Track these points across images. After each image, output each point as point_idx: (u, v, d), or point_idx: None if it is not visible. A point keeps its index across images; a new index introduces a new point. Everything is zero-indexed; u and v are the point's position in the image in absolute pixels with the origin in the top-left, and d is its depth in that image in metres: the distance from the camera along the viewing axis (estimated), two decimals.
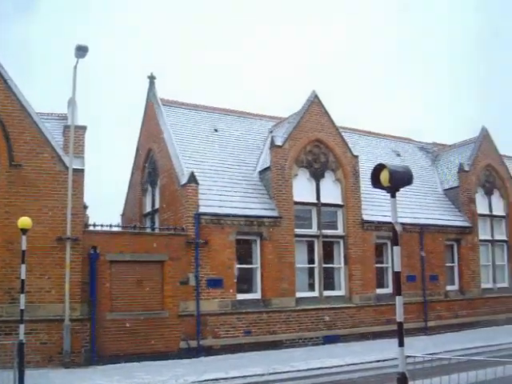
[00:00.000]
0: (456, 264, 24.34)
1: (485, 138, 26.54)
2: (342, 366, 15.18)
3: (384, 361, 15.28)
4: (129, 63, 64.52)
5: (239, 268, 18.44)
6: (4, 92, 15.56)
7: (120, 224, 20.05)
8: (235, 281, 18.15)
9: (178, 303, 17.01)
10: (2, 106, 15.44)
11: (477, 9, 70.84)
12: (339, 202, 21.02)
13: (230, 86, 60.76)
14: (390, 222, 7.39)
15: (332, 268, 20.79)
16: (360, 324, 20.49)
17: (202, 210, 17.92)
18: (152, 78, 22.38)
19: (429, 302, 22.48)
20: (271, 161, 19.81)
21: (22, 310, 12.01)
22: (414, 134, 30.53)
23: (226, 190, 19.34)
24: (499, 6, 71.75)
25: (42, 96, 30.58)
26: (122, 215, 25.12)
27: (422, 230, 22.68)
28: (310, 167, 20.63)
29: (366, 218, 21.22)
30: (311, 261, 20.29)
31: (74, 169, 15.74)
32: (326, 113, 21.16)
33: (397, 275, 7.37)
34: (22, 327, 11.92)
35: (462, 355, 14.26)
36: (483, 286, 24.82)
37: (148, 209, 22.59)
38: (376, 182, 7.45)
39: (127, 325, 16.00)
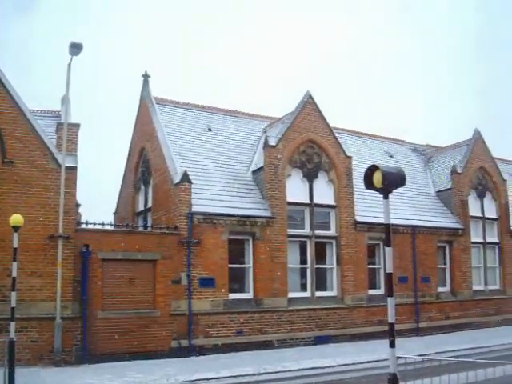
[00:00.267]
0: (448, 266, 24.41)
1: (477, 140, 26.65)
2: (333, 366, 15.18)
3: (375, 361, 15.29)
4: (127, 63, 64.48)
5: (231, 268, 18.42)
6: None
7: (112, 222, 20.01)
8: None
9: (169, 302, 16.98)
10: None
11: (476, 9, 71.12)
12: (332, 202, 21.04)
13: (228, 86, 60.86)
14: (383, 223, 7.41)
15: (324, 268, 20.80)
16: (352, 325, 20.51)
17: (194, 209, 17.90)
18: (146, 77, 22.35)
19: (420, 304, 22.53)
20: (264, 161, 19.81)
21: (12, 308, 11.93)
22: (409, 135, 30.68)
23: (219, 189, 19.33)
24: (497, 6, 72.08)
25: (42, 95, 30.51)
26: (115, 214, 25.07)
27: (415, 231, 22.74)
28: (304, 167, 20.64)
29: (358, 218, 21.25)
30: (303, 261, 20.30)
31: (66, 166, 15.69)
32: (320, 113, 21.17)
33: (389, 276, 7.39)
34: (12, 325, 11.85)
35: (453, 357, 14.35)
36: (475, 287, 24.91)
37: (141, 207, 22.55)
38: (369, 183, 7.46)
39: (119, 323, 15.96)
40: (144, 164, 22.22)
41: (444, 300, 23.67)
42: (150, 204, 21.31)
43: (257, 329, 18.41)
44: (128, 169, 23.90)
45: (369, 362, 15.65)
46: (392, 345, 7.00)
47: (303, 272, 20.27)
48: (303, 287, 20.19)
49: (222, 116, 23.91)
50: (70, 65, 16.17)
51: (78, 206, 17.97)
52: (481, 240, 25.85)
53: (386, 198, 7.43)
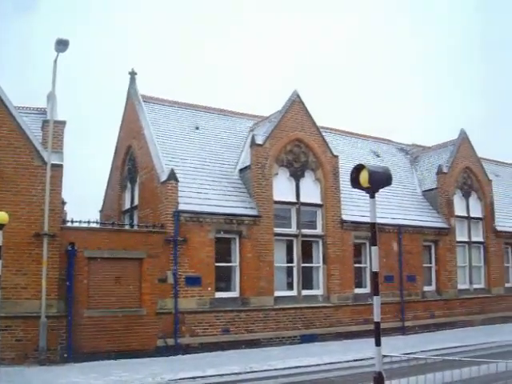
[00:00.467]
0: (433, 265, 24.56)
1: (463, 140, 26.83)
2: (319, 365, 15.22)
3: (361, 360, 15.35)
4: (115, 61, 64.19)
5: (218, 266, 18.40)
6: None
7: (98, 221, 19.89)
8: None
9: (156, 301, 16.93)
10: None
11: (463, 10, 71.63)
12: (319, 201, 21.08)
13: (216, 86, 60.95)
14: (369, 222, 7.43)
15: (310, 267, 20.84)
16: (338, 323, 20.57)
17: (181, 207, 17.86)
18: (133, 74, 22.24)
19: (406, 302, 22.64)
20: (251, 159, 19.81)
21: None
22: (396, 135, 30.82)
23: (205, 187, 19.30)
24: (487, 7, 72.54)
25: (41, 94, 30.23)
26: (101, 212, 24.95)
27: (401, 230, 22.84)
28: (290, 166, 20.66)
29: (345, 217, 21.31)
30: (290, 260, 20.32)
31: (52, 164, 15.57)
32: (307, 112, 21.20)
33: (375, 275, 7.41)
34: None
35: (438, 355, 14.40)
36: (460, 286, 25.09)
37: (127, 206, 22.46)
38: (355, 182, 7.48)
39: (104, 322, 15.89)
40: (130, 162, 22.13)
41: (429, 299, 23.80)
42: (136, 202, 21.23)
43: (243, 327, 18.40)
44: (114, 167, 23.79)
45: (355, 360, 15.71)
46: (378, 343, 7.03)
47: (289, 271, 20.30)
48: (289, 286, 20.22)
49: (209, 114, 23.86)
50: (55, 61, 16.03)
51: (63, 203, 17.84)
52: (466, 239, 26.02)
53: (372, 197, 7.45)
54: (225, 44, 69.50)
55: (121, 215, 22.55)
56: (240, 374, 13.98)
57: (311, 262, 20.88)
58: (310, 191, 20.90)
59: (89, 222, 16.72)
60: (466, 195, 26.44)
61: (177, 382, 13.03)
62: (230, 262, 19.00)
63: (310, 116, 21.22)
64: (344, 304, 20.84)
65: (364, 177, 7.25)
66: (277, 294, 19.39)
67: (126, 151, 22.36)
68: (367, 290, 21.65)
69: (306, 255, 20.68)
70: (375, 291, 7.18)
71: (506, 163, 35.45)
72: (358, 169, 7.39)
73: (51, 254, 15.26)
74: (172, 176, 17.86)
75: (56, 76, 16.30)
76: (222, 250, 18.79)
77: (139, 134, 20.73)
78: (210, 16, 70.45)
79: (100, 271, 16.21)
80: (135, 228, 18.80)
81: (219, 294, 18.26)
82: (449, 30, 73.50)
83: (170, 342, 16.93)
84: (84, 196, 26.61)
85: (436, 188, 25.62)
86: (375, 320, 7.08)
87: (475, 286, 25.99)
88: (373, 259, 7.28)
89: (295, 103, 21.03)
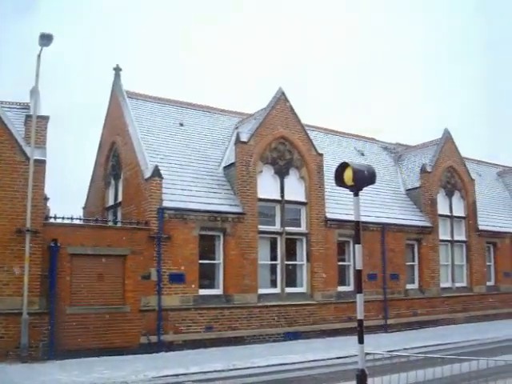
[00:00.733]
0: (416, 263, 24.71)
1: (447, 140, 27.01)
2: (302, 362, 15.26)
3: (344, 357, 15.42)
4: (101, 58, 63.93)
5: (202, 263, 18.36)
6: None
7: (82, 217, 19.74)
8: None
9: (139, 298, 16.86)
10: None
11: (449, 10, 72.05)
12: (303, 199, 21.12)
13: (203, 85, 60.92)
14: (353, 221, 7.46)
15: (294, 265, 20.87)
16: (321, 321, 20.63)
17: (165, 204, 17.79)
18: (117, 70, 22.11)
19: (389, 300, 22.77)
20: (236, 157, 19.78)
21: None
22: (382, 136, 30.94)
23: (190, 184, 19.25)
24: (470, 8, 73.11)
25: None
26: (84, 208, 24.79)
27: (384, 228, 22.95)
28: (275, 164, 20.67)
29: (329, 216, 21.36)
30: (274, 257, 20.33)
31: (35, 159, 15.43)
32: (292, 110, 21.21)
33: (358, 273, 7.44)
34: None
35: (421, 353, 14.52)
36: (442, 285, 25.27)
37: (111, 202, 22.33)
38: (339, 180, 7.52)
39: (87, 319, 15.79)
40: (114, 158, 22.01)
41: (412, 297, 23.94)
42: (120, 199, 21.11)
43: (227, 325, 18.39)
44: (98, 163, 23.64)
45: (338, 358, 15.76)
46: (361, 341, 7.07)
47: (273, 268, 20.31)
48: (273, 283, 20.24)
49: (194, 111, 23.81)
50: (39, 56, 15.89)
51: (46, 199, 17.70)
52: (449, 238, 26.22)
53: (356, 195, 7.49)
54: (214, 43, 69.58)
55: (104, 212, 22.42)
56: (223, 371, 13.97)
57: (295, 260, 20.91)
58: (295, 189, 20.92)
59: (72, 219, 16.60)
60: (449, 194, 26.63)
61: (160, 380, 13.00)
62: (213, 259, 18.97)
63: (294, 114, 21.23)
64: (327, 302, 20.90)
65: (348, 175, 7.29)
66: (260, 291, 19.40)
67: (110, 147, 22.23)
68: (351, 287, 21.74)
69: (290, 253, 20.71)
70: (358, 289, 7.22)
71: (489, 163, 35.79)
72: (343, 167, 7.43)
73: (33, 250, 15.12)
74: (156, 173, 17.79)
75: (39, 71, 16.15)
76: (206, 247, 18.75)
77: (123, 130, 20.61)
78: (187, 14, 70.42)
79: (83, 268, 16.10)
80: (119, 225, 18.70)
81: (203, 292, 18.24)
82: (436, 31, 74.09)
83: (154, 339, 16.87)
84: (67, 192, 26.45)
85: (419, 187, 25.78)
86: (358, 318, 7.12)
87: (457, 285, 26.19)
88: (356, 257, 7.32)
89: (280, 101, 21.03)
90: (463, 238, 26.88)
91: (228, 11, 72.29)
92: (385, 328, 22.29)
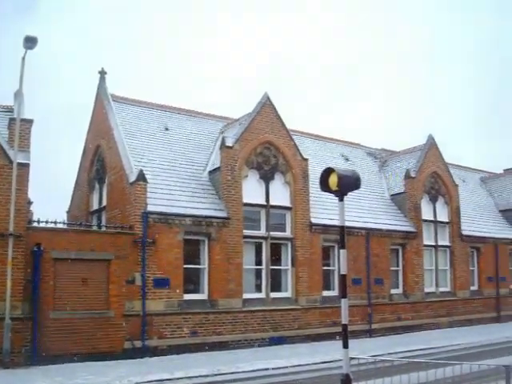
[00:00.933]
0: (400, 268, 24.82)
1: (431, 145, 27.20)
2: (287, 367, 15.26)
3: (329, 362, 15.44)
4: (86, 61, 63.70)
5: (186, 268, 18.30)
6: None
7: (65, 221, 19.61)
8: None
9: (123, 303, 16.76)
10: None
11: (417, 20, 72.59)
12: (288, 204, 21.14)
13: (187, 87, 60.84)
14: (338, 226, 7.48)
15: (279, 270, 20.87)
16: (306, 326, 20.64)
17: (150, 208, 17.72)
18: (103, 73, 22.02)
19: (373, 305, 22.84)
20: (221, 161, 19.77)
21: None
22: (368, 142, 31.09)
23: (175, 189, 19.19)
24: (450, 17, 73.73)
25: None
26: (68, 212, 24.62)
27: (369, 233, 23.04)
28: (260, 169, 20.68)
29: (314, 220, 21.40)
30: (259, 262, 20.32)
31: (18, 163, 15.31)
32: (278, 115, 21.24)
33: (343, 278, 7.46)
34: None
35: (405, 357, 14.58)
36: (426, 289, 25.40)
37: (95, 206, 22.21)
38: (324, 185, 7.54)
39: (71, 324, 15.67)
40: (99, 162, 21.89)
41: (396, 302, 24.04)
42: (104, 203, 21.00)
43: (211, 330, 18.34)
44: (82, 167, 23.50)
45: (323, 362, 15.78)
46: (345, 346, 7.08)
47: (258, 273, 20.30)
48: (258, 288, 20.22)
49: (179, 115, 23.77)
50: (23, 59, 15.79)
51: (29, 203, 17.56)
52: (433, 243, 26.37)
53: (341, 200, 7.51)
54: (201, 45, 69.54)
55: (88, 216, 22.29)
56: (208, 376, 13.94)
57: (280, 265, 20.91)
58: (280, 194, 20.94)
59: (56, 223, 16.49)
60: (433, 199, 26.80)
61: None
62: (198, 263, 18.91)
63: (280, 119, 21.26)
64: (312, 306, 20.92)
65: (333, 180, 7.31)
66: (245, 296, 19.37)
67: (95, 151, 22.12)
68: (335, 292, 21.78)
69: (275, 258, 20.71)
70: (343, 294, 7.23)
71: (473, 169, 36.12)
72: (328, 172, 7.45)
73: (16, 254, 14.97)
74: (141, 177, 17.72)
75: (23, 74, 16.04)
76: (191, 251, 18.70)
77: (108, 134, 20.52)
78: (170, 16, 70.39)
79: (67, 272, 15.98)
80: (103, 229, 18.61)
81: (188, 296, 18.18)
82: (425, 32, 74.54)
83: (138, 344, 16.78)
84: (51, 196, 26.27)
85: (404, 192, 25.92)
86: (343, 322, 7.13)
87: (441, 289, 26.34)
88: (341, 262, 7.33)
89: (265, 106, 21.06)
90: (447, 243, 27.04)
91: (215, 11, 72.40)
92: (369, 333, 22.35)
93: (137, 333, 16.82)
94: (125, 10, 67.48)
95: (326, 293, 21.58)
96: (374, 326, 22.70)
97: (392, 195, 26.69)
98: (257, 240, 20.33)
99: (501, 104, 69.97)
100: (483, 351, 17.63)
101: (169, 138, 22.01)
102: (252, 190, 20.23)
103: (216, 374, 14.12)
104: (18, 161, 15.33)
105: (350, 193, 7.81)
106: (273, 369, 14.97)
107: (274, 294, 20.27)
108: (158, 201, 18.14)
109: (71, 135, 40.57)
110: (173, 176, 19.80)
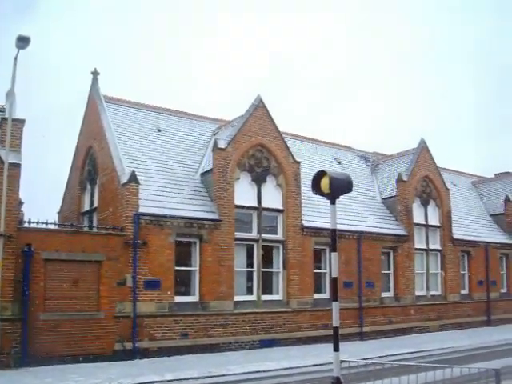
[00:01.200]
0: (392, 271, 24.87)
1: (423, 149, 27.29)
2: (278, 369, 15.25)
3: (320, 365, 15.43)
4: (78, 62, 63.46)
5: (178, 270, 18.27)
6: None
7: (56, 222, 19.54)
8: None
9: (114, 304, 16.71)
10: None
11: (417, 20, 72.85)
12: (280, 206, 21.14)
13: (181, 87, 60.86)
14: (329, 229, 7.48)
15: (271, 272, 20.87)
16: (297, 328, 20.64)
17: (141, 210, 17.68)
18: (95, 74, 21.95)
19: (365, 308, 22.87)
20: (213, 163, 19.76)
21: None
22: (360, 146, 31.11)
23: (166, 190, 19.16)
24: (443, 19, 74.02)
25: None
26: (59, 213, 24.50)
27: (360, 237, 23.07)
28: (252, 171, 20.68)
29: (305, 223, 21.41)
30: (250, 265, 20.31)
31: (9, 163, 15.23)
32: (270, 118, 21.26)
33: (334, 281, 7.46)
34: None
35: (396, 360, 14.59)
36: (417, 293, 25.48)
37: (86, 207, 22.13)
38: (316, 188, 7.54)
39: (61, 325, 15.60)
40: (91, 163, 21.82)
41: (387, 305, 24.09)
42: (95, 204, 20.93)
43: (202, 332, 18.31)
44: (74, 167, 23.41)
45: (313, 365, 15.78)
46: (336, 348, 7.08)
47: (250, 275, 20.28)
48: (249, 291, 20.21)
49: (171, 117, 23.74)
50: (16, 58, 15.71)
51: (20, 204, 17.47)
52: (424, 247, 26.44)
53: (333, 203, 7.51)
54: (199, 44, 69.52)
55: (80, 217, 22.21)
56: (199, 378, 13.91)
57: (271, 267, 20.91)
58: (272, 196, 20.94)
59: (46, 223, 16.43)
60: (425, 203, 26.88)
61: None
62: (189, 265, 18.88)
63: (272, 121, 21.28)
64: (303, 309, 20.93)
65: (325, 183, 7.31)
66: (236, 298, 19.36)
67: (87, 152, 22.04)
68: (327, 295, 21.80)
69: (267, 260, 20.71)
70: (334, 297, 7.23)
71: (464, 173, 36.26)
72: (320, 175, 7.45)
73: (7, 255, 14.88)
74: (133, 178, 17.68)
75: (16, 73, 15.96)
76: (182, 253, 18.67)
77: (100, 134, 20.46)
78: (183, 17, 70.42)
79: (57, 273, 15.91)
80: (94, 230, 18.55)
81: (179, 298, 18.14)
82: (422, 33, 74.75)
83: (129, 346, 16.72)
84: (42, 197, 26.15)
85: (395, 196, 26.00)
86: (334, 325, 7.13)
87: (432, 293, 26.43)
88: (332, 265, 7.34)
89: (258, 108, 21.07)
90: (438, 246, 27.13)
91: (215, 11, 72.45)
92: (360, 336, 22.37)
93: (127, 334, 16.77)
94: (125, 10, 67.52)
95: (317, 296, 21.59)
96: (365, 329, 22.74)
97: (384, 199, 26.77)
98: (248, 242, 20.32)
99: (501, 104, 70.29)
100: (473, 354, 17.68)
101: (161, 139, 21.98)
102: (244, 193, 20.22)
103: (207, 377, 14.09)
104: (10, 161, 15.25)
105: (341, 196, 7.83)
106: (264, 371, 14.96)
107: (265, 297, 20.27)
108: (149, 202, 18.10)
109: (64, 136, 40.44)
110: (165, 177, 19.77)
